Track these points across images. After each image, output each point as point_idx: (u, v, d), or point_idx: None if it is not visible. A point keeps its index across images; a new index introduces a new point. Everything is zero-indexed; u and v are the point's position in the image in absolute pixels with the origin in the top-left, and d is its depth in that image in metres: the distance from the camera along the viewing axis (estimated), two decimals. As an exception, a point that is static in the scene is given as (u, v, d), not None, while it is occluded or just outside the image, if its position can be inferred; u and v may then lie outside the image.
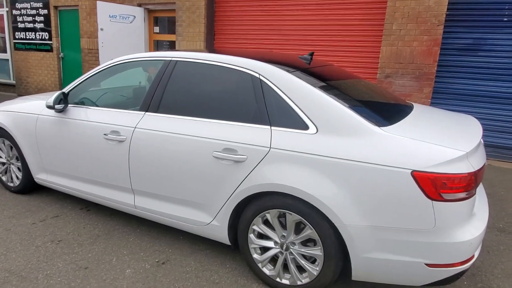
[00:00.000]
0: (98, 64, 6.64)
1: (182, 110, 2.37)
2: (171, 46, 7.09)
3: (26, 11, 8.39)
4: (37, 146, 3.02)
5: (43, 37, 8.29)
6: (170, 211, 2.45)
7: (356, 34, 5.50)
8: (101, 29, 6.38)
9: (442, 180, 1.71)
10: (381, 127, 1.91)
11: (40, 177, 3.14)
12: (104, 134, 2.57)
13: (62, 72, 8.36)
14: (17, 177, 3.35)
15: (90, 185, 2.82)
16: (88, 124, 2.67)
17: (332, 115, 1.96)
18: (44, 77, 8.55)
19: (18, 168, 3.32)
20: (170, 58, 2.52)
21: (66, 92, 2.86)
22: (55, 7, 7.96)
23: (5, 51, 9.54)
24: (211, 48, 6.52)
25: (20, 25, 8.61)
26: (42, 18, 8.17)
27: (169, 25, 7.05)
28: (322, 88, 2.12)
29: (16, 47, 8.84)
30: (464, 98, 5.07)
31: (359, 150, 1.85)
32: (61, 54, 8.24)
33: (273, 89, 2.12)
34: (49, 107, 2.71)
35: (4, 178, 3.48)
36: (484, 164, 1.96)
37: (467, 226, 1.82)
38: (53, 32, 8.07)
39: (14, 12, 8.61)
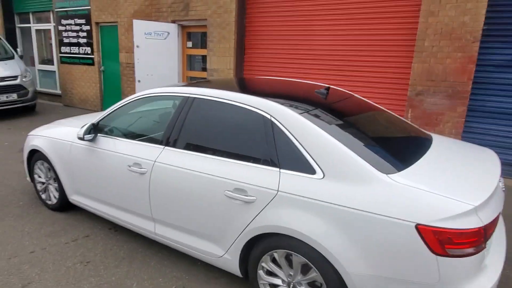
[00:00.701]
0: (134, 78, 6.99)
1: (198, 147, 2.48)
2: (203, 60, 7.30)
3: (71, 27, 8.98)
4: (71, 171, 3.27)
5: (85, 52, 8.83)
6: (187, 241, 2.57)
7: (386, 50, 5.39)
8: (137, 46, 6.71)
9: (447, 235, 1.69)
10: (388, 175, 1.90)
11: (74, 198, 3.40)
12: (128, 166, 2.75)
13: (103, 85, 8.85)
14: (55, 197, 3.63)
15: (116, 209, 3.01)
16: (114, 154, 2.86)
17: (338, 160, 1.97)
18: (86, 89, 9.11)
19: (56, 189, 3.60)
20: (188, 95, 2.64)
21: (95, 123, 3.07)
22: (97, 23, 8.45)
23: (52, 64, 10.26)
24: (240, 65, 6.64)
25: (65, 40, 9.23)
26: (85, 34, 8.71)
27: (202, 39, 7.27)
28: (334, 128, 2.14)
29: (62, 61, 9.48)
30: (501, 117, 4.81)
31: (363, 199, 1.86)
32: (102, 68, 8.73)
33: (283, 131, 2.17)
34: (79, 138, 2.94)
35: (43, 196, 3.78)
36: (498, 214, 1.90)
37: (475, 280, 1.78)
38: (94, 47, 8.58)
39: (60, 28, 9.25)
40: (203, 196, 2.36)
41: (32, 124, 7.56)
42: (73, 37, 9.01)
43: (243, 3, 6.46)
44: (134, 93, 7.90)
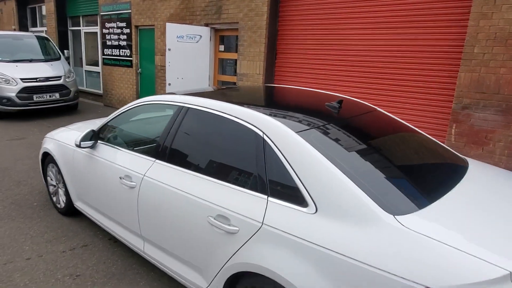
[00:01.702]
0: (165, 81, 6.97)
1: (187, 163, 2.23)
2: (235, 64, 7.11)
3: (113, 30, 9.24)
4: (74, 177, 3.18)
5: (125, 54, 9.03)
6: (173, 266, 2.32)
7: (428, 57, 4.81)
8: (169, 49, 6.67)
9: (468, 307, 1.27)
10: (398, 216, 1.51)
11: (78, 204, 3.31)
12: (120, 177, 2.57)
13: (140, 86, 9.00)
14: (63, 201, 3.58)
15: (111, 222, 2.86)
16: (108, 164, 2.70)
17: (335, 192, 1.62)
18: (124, 90, 9.32)
19: (64, 193, 3.55)
20: (182, 104, 2.40)
21: (96, 129, 2.94)
22: (136, 27, 8.61)
23: (97, 65, 10.67)
24: (270, 70, 6.36)
25: (108, 43, 9.52)
26: (125, 37, 8.91)
27: (234, 43, 7.08)
28: (338, 151, 1.78)
29: (104, 62, 9.80)
30: None
31: (362, 246, 1.48)
32: (139, 70, 8.88)
33: (275, 152, 1.85)
34: (76, 145, 2.82)
35: (54, 199, 3.76)
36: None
37: None
38: (133, 50, 8.74)
39: (104, 30, 9.56)
40: (187, 219, 2.11)
41: (71, 123, 7.82)
42: (115, 39, 9.27)
43: (276, 6, 6.17)
44: (167, 96, 7.90)
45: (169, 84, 6.85)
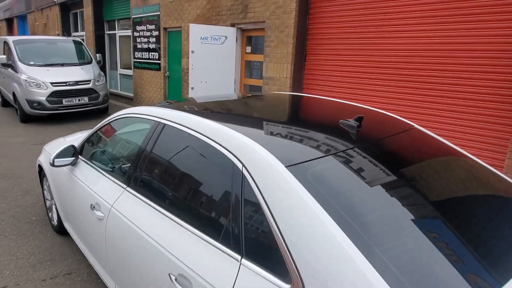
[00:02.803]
0: (186, 85, 6.63)
1: (157, 196, 1.75)
2: (261, 67, 6.60)
3: (143, 33, 9.11)
4: (59, 194, 2.84)
5: (153, 57, 8.86)
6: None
7: (485, 56, 3.98)
8: (192, 52, 6.31)
9: None
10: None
11: (66, 225, 2.97)
12: (91, 205, 2.15)
13: (167, 90, 8.78)
14: (56, 218, 3.27)
15: (90, 253, 2.46)
16: (83, 187, 2.30)
17: (338, 274, 1.05)
18: (153, 94, 9.15)
19: (56, 209, 3.24)
20: (159, 120, 1.93)
21: (79, 144, 2.57)
22: (165, 29, 8.39)
23: (130, 68, 10.65)
24: (299, 73, 5.77)
25: (138, 46, 9.41)
26: (154, 40, 8.73)
27: (262, 44, 6.58)
28: (352, 203, 1.22)
29: (135, 66, 9.71)
30: None
31: None
32: (167, 73, 8.65)
33: (255, 195, 1.31)
34: (50, 163, 2.45)
35: (50, 215, 3.47)
36: None
37: None
38: (161, 53, 8.53)
39: (135, 34, 9.47)
40: (150, 271, 1.63)
41: (97, 127, 7.74)
42: (145, 42, 9.14)
43: (306, 2, 5.58)
44: (192, 100, 7.57)
45: (192, 88, 6.49)
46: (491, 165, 3.95)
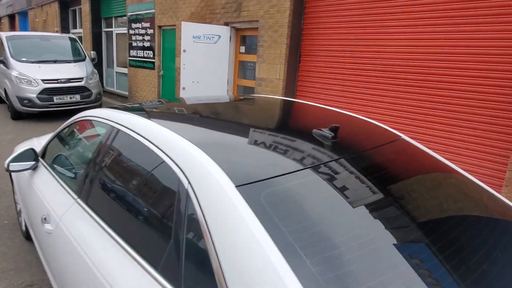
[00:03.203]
0: (180, 85, 6.44)
1: (103, 212, 1.56)
2: (254, 68, 6.41)
3: (138, 31, 8.93)
4: (22, 199, 2.65)
5: (148, 56, 8.68)
6: None
7: (486, 61, 3.77)
8: (184, 51, 6.13)
9: None
10: None
11: (30, 232, 2.78)
12: (42, 216, 1.96)
13: (161, 89, 8.60)
14: (24, 223, 3.09)
15: (45, 262, 2.27)
16: (37, 195, 2.11)
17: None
18: (147, 93, 8.97)
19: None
20: (113, 124, 1.74)
21: (41, 148, 2.39)
22: (159, 27, 8.21)
23: (125, 66, 10.48)
24: (293, 75, 5.57)
25: (133, 44, 9.24)
26: (148, 38, 8.56)
27: (256, 44, 6.38)
28: (314, 226, 1.03)
29: (130, 64, 9.54)
30: None
31: None
32: (161, 72, 8.47)
33: (199, 220, 1.11)
34: (5, 168, 2.26)
35: (20, 219, 3.29)
36: None
37: None
38: (156, 51, 8.35)
39: (130, 31, 9.30)
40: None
41: (87, 126, 7.56)
42: (139, 41, 8.96)
43: (301, 1, 5.38)
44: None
45: (183, 89, 6.30)
46: (491, 177, 3.74)
